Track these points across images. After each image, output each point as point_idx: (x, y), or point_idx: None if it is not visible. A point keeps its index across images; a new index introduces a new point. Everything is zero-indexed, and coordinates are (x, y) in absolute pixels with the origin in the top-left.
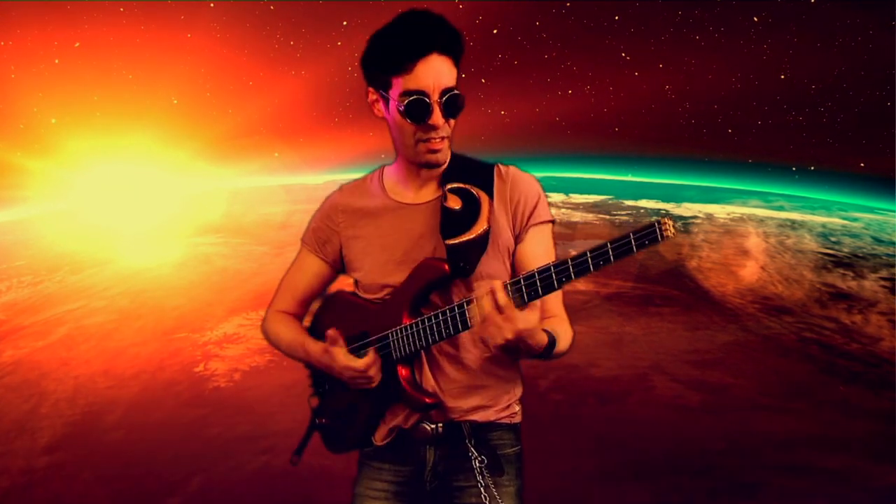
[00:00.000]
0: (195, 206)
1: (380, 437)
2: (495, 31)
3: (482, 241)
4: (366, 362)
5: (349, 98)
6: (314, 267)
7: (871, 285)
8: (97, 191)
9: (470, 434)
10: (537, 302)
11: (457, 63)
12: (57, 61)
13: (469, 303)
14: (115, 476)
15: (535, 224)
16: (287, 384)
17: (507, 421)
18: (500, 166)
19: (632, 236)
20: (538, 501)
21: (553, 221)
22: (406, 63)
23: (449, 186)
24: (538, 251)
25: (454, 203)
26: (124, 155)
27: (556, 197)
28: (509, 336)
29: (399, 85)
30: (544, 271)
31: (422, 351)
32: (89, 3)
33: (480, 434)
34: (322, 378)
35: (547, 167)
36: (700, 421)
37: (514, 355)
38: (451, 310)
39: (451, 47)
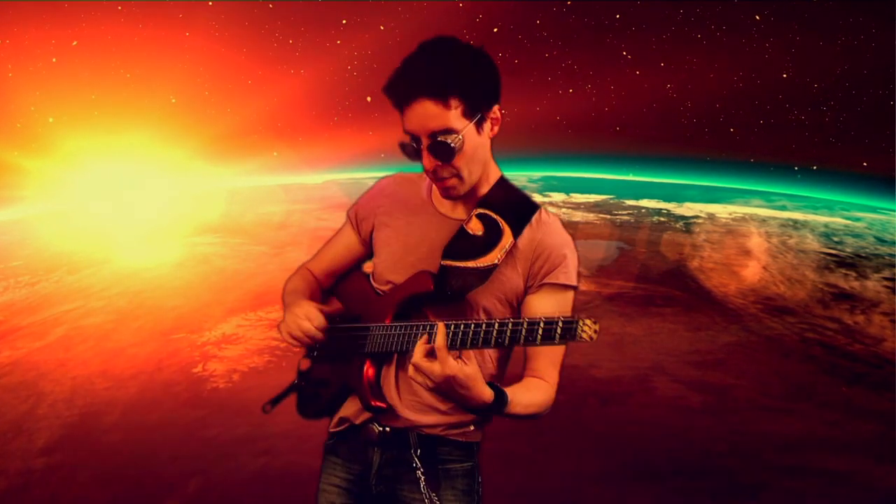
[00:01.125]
0: (193, 205)
1: (332, 424)
2: (495, 30)
3: (482, 275)
4: (320, 319)
5: (349, 97)
6: (347, 239)
7: (873, 285)
8: (95, 190)
9: (416, 443)
10: (473, 354)
11: (454, 99)
12: (54, 60)
13: (429, 328)
14: (113, 477)
15: (552, 284)
16: (286, 385)
17: (458, 437)
18: (544, 212)
19: (558, 326)
20: (538, 503)
21: (575, 288)
22: (398, 107)
23: (478, 211)
24: (546, 311)
25: (475, 228)
26: (122, 154)
27: (556, 196)
28: (437, 380)
29: (402, 122)
30: (479, 325)
31: (394, 355)
32: (87, 2)
33: (427, 446)
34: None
35: (548, 166)
36: (701, 422)
37: (450, 401)
38: (415, 328)
39: (440, 89)
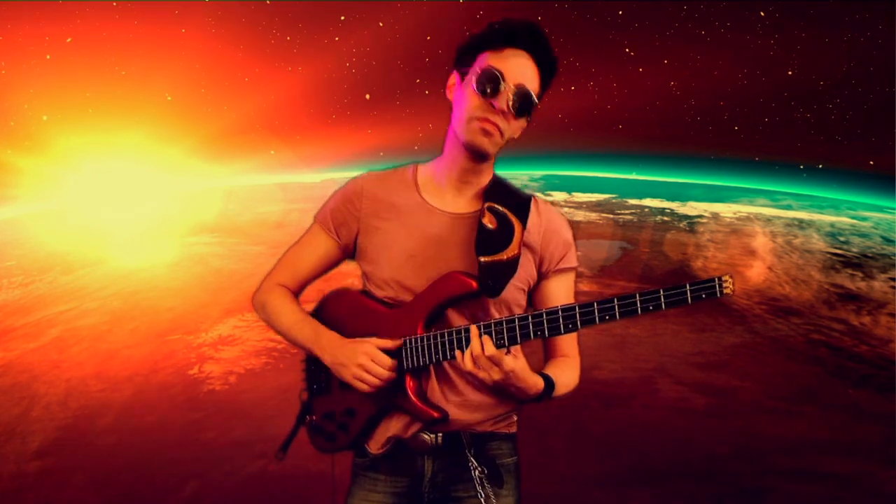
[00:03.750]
0: (189, 204)
1: (376, 446)
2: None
3: (513, 266)
4: (394, 363)
5: (347, 95)
6: (323, 247)
7: (880, 286)
8: (89, 189)
9: (470, 444)
10: (519, 350)
11: (542, 81)
12: (48, 57)
13: (484, 327)
14: (108, 481)
15: (563, 270)
16: (283, 387)
17: (504, 430)
18: (538, 200)
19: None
20: None
21: (577, 268)
22: (501, 42)
23: (488, 204)
24: (561, 295)
25: (490, 222)
26: (117, 153)
27: (558, 196)
28: (497, 377)
29: (484, 59)
30: (523, 319)
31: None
32: None
33: (479, 444)
34: (318, 374)
35: (549, 165)
36: (706, 424)
37: (504, 396)
38: (457, 333)
39: (545, 64)
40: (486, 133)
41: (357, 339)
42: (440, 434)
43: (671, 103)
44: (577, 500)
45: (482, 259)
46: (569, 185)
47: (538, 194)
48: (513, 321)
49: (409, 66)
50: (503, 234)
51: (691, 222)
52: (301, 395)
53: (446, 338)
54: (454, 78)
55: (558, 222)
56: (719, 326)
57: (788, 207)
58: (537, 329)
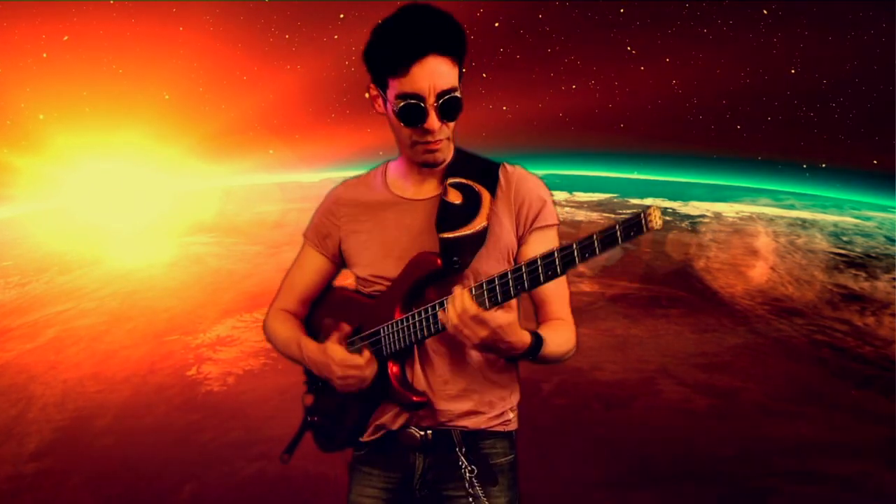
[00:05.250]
0: (187, 204)
1: (367, 433)
2: (497, 25)
3: (479, 238)
4: (365, 358)
5: (346, 94)
6: (315, 263)
7: (884, 286)
8: (86, 189)
9: (461, 442)
10: (512, 302)
11: (458, 61)
12: (45, 55)
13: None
14: (105, 483)
15: (540, 227)
16: (282, 388)
17: (499, 429)
18: (506, 165)
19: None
20: None
21: (559, 224)
22: (401, 65)
23: (450, 181)
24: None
25: (454, 197)
26: (114, 152)
27: (559, 195)
28: (483, 334)
29: (395, 87)
30: (503, 276)
31: (413, 347)
32: None
33: (471, 442)
34: (314, 376)
35: (550, 164)
36: (708, 426)
37: (494, 354)
38: (434, 307)
39: (451, 47)
40: (431, 151)
41: (322, 345)
42: (429, 430)
43: (673, 102)
44: (578, 502)
45: (442, 236)
46: (570, 185)
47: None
48: (492, 281)
49: None
50: (469, 207)
51: (693, 222)
52: (304, 398)
53: (422, 315)
54: (374, 91)
55: (530, 181)
56: (721, 327)
57: (791, 207)
58: (518, 283)
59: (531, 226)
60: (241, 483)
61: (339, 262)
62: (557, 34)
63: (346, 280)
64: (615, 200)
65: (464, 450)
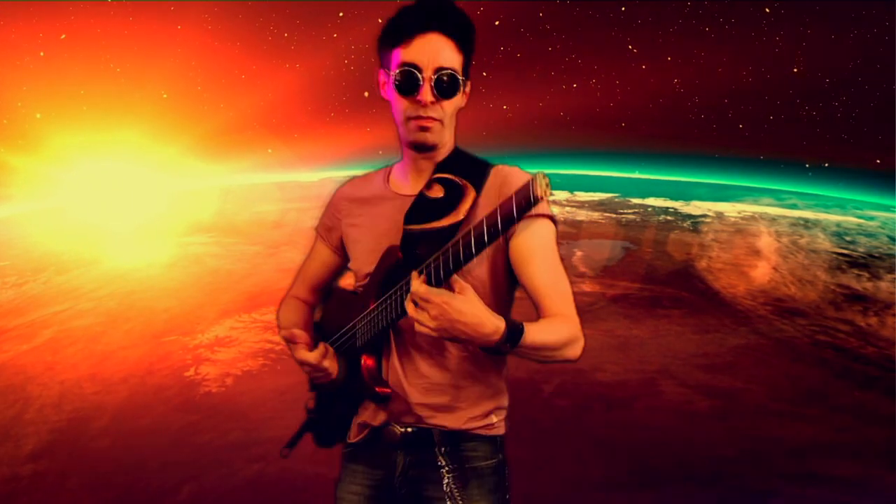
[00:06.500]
0: (186, 204)
1: (353, 434)
2: (497, 23)
3: (448, 232)
4: (315, 355)
5: (345, 92)
6: (322, 254)
7: (887, 286)
8: (84, 188)
9: (440, 441)
10: (467, 287)
11: (463, 49)
12: (42, 54)
13: (406, 284)
14: (103, 485)
15: (526, 218)
16: (281, 389)
17: (482, 431)
18: (500, 165)
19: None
20: None
21: (552, 218)
22: (406, 35)
23: (436, 175)
24: (532, 243)
25: (436, 192)
26: (112, 151)
27: (560, 195)
28: (433, 312)
29: (398, 56)
30: (445, 250)
31: (388, 338)
32: None
33: (451, 442)
34: None
35: (551, 164)
36: (710, 427)
37: (464, 342)
38: (397, 291)
39: (457, 32)
40: (424, 129)
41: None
42: (410, 428)
43: (674, 101)
44: (579, 503)
45: (406, 227)
46: (571, 184)
47: (551, 207)
48: (435, 258)
49: None
50: (449, 202)
51: (695, 222)
52: (307, 403)
53: (386, 301)
54: (383, 76)
55: (518, 176)
56: (724, 327)
57: (794, 207)
58: (465, 249)
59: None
60: (239, 484)
61: (343, 253)
62: (558, 33)
63: (347, 280)
64: (616, 200)
65: (444, 450)
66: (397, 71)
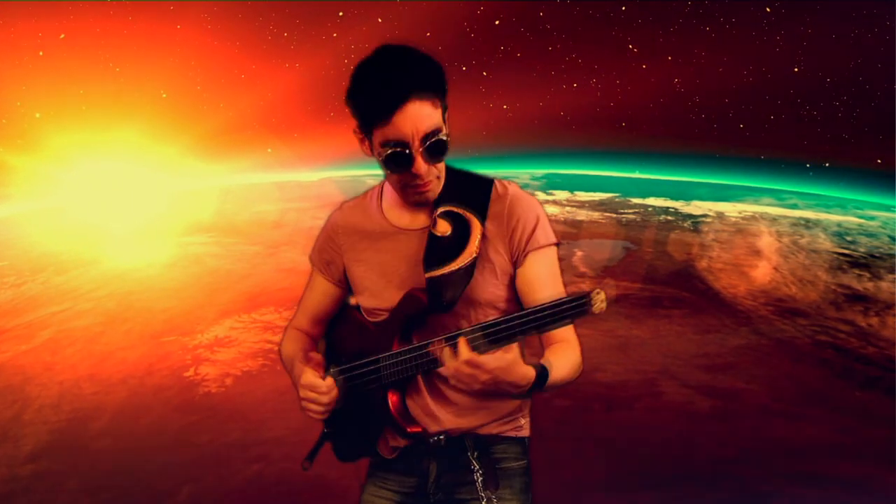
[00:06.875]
0: (185, 204)
1: (386, 452)
2: (497, 22)
3: (467, 271)
4: (327, 385)
5: (345, 92)
6: (322, 286)
7: (888, 286)
8: (83, 188)
9: (472, 446)
10: (513, 345)
11: (440, 100)
12: (41, 53)
13: (446, 340)
14: (102, 485)
15: (535, 249)
16: (281, 389)
17: (512, 434)
18: (498, 184)
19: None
20: None
21: (558, 244)
22: (383, 114)
23: (439, 210)
24: (541, 274)
25: (443, 228)
26: (111, 151)
27: (560, 195)
28: (483, 378)
29: (379, 135)
30: (499, 323)
31: (415, 377)
32: None
33: (483, 447)
34: None
35: (551, 163)
36: (710, 428)
37: (500, 396)
38: (424, 347)
39: (430, 88)
40: (423, 195)
41: (303, 371)
42: (442, 437)
43: (675, 101)
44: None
45: (428, 275)
46: (571, 184)
47: (550, 206)
48: (488, 325)
49: None
50: (459, 238)
51: (696, 221)
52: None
53: (416, 352)
54: (360, 133)
55: (524, 201)
56: (724, 328)
57: (794, 206)
58: (512, 330)
59: (526, 248)
60: (239, 485)
61: (345, 285)
62: (558, 32)
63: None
64: (616, 200)
65: (476, 454)
66: (385, 152)
